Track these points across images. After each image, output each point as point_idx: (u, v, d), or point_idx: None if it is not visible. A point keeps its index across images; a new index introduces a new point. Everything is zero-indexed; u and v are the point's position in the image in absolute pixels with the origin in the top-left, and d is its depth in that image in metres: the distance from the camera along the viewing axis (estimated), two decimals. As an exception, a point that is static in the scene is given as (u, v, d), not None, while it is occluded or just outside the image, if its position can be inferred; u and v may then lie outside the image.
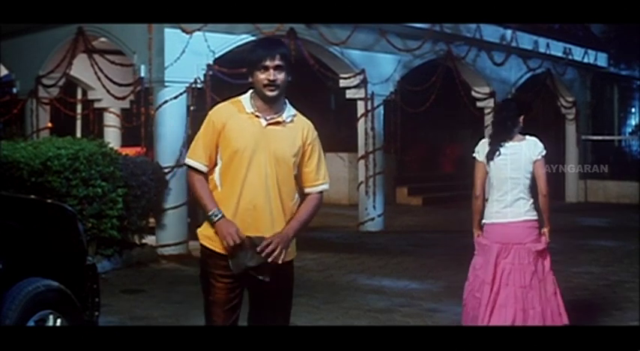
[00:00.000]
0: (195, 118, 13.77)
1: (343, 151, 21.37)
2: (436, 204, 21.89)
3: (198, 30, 13.28)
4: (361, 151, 16.94)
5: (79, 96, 20.52)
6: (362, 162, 16.92)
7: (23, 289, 6.09)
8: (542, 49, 21.63)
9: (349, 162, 21.11)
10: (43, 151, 11.24)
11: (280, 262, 5.01)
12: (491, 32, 19.41)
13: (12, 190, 9.90)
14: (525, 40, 20.88)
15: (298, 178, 5.24)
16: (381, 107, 17.11)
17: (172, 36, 13.19)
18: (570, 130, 24.65)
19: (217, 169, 5.16)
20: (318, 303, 10.05)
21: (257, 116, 5.13)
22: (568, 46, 22.99)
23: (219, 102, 14.36)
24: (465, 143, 23.18)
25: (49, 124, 17.03)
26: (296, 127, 5.20)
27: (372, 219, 16.79)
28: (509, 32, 20.08)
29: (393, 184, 21.47)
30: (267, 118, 5.13)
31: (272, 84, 5.06)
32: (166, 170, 13.18)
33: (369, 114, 16.75)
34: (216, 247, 5.09)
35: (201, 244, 5.20)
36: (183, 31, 13.19)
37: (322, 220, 17.54)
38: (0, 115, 17.69)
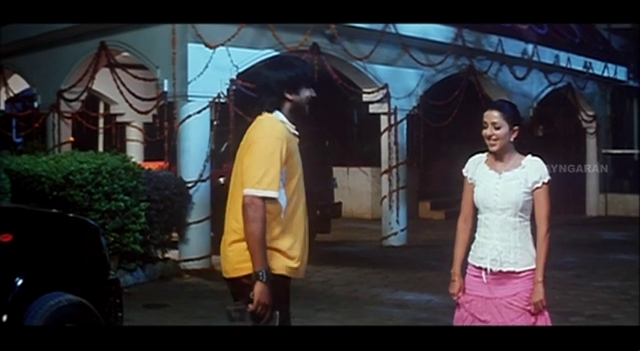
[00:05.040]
0: (218, 133, 13.76)
1: (366, 166, 21.38)
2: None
3: (222, 45, 13.25)
4: (384, 166, 16.89)
5: (102, 110, 20.63)
6: (385, 176, 16.86)
7: (45, 303, 6.10)
8: (563, 63, 21.59)
9: (372, 176, 21.06)
10: (65, 165, 11.25)
11: None
12: (512, 46, 19.42)
13: (33, 204, 9.89)
14: (546, 55, 20.85)
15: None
16: (404, 121, 17.08)
17: (195, 51, 13.18)
18: (591, 144, 24.62)
19: (281, 194, 4.76)
20: (341, 317, 10.01)
21: (296, 135, 4.95)
22: (588, 60, 22.98)
23: (242, 117, 14.17)
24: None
25: (71, 138, 17.00)
26: None
27: (395, 233, 16.72)
28: (530, 46, 20.10)
29: (415, 199, 21.38)
30: (298, 135, 4.99)
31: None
32: (190, 185, 13.14)
33: (393, 128, 16.70)
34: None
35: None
36: (207, 45, 13.17)
37: (345, 235, 17.56)
38: (21, 129, 17.77)
